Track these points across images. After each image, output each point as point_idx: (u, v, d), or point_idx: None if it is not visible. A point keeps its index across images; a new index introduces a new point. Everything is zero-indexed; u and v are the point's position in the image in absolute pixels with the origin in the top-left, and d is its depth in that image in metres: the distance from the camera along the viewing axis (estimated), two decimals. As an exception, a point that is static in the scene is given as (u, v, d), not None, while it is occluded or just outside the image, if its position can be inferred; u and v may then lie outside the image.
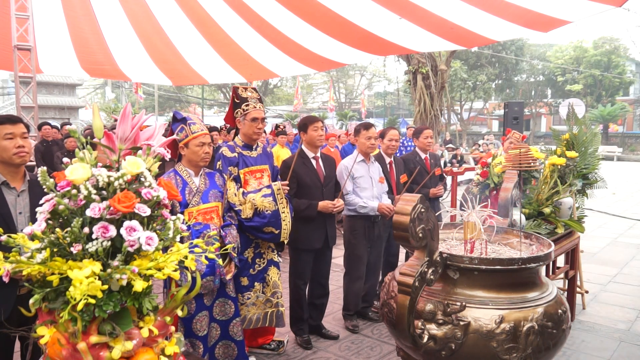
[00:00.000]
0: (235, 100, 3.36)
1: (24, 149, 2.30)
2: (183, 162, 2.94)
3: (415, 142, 4.78)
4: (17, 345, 2.52)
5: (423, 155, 4.72)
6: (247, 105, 3.32)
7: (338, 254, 4.44)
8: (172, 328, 1.52)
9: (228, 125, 8.25)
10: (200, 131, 2.89)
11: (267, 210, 3.19)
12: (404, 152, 10.53)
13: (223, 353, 3.06)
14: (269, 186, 3.29)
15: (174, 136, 2.85)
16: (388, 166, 4.35)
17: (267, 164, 3.47)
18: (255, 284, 3.35)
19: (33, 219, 2.24)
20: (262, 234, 3.25)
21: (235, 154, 3.30)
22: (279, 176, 3.58)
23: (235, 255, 3.04)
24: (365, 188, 3.98)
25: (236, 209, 3.15)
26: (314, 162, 3.72)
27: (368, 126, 4.05)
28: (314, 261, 3.75)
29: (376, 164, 4.16)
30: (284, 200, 3.28)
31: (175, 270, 1.38)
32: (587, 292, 4.71)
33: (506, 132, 6.06)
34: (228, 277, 2.98)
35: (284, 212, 3.26)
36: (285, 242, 3.39)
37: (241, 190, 3.23)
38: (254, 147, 3.41)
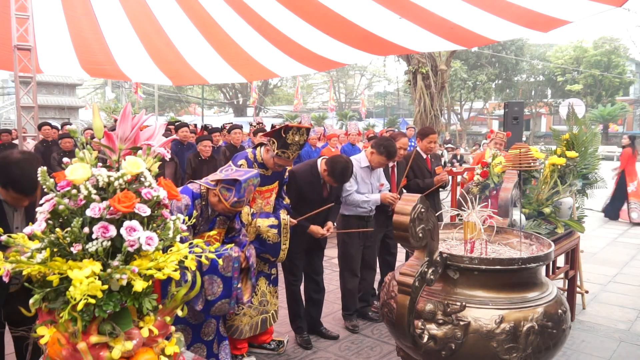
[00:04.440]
0: (282, 134, 3.18)
1: (27, 204, 2.31)
2: (210, 196, 2.81)
3: (418, 143, 4.74)
4: (15, 346, 2.53)
5: (424, 156, 4.72)
6: (283, 153, 3.18)
7: (336, 254, 4.45)
8: (172, 328, 1.52)
9: (228, 126, 8.26)
10: (239, 208, 2.80)
11: (269, 240, 3.23)
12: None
13: None
14: (277, 216, 3.30)
15: (231, 199, 2.73)
16: (390, 169, 4.36)
17: (277, 180, 3.47)
18: None
19: None
20: (257, 255, 3.29)
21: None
22: (284, 188, 3.58)
23: (254, 276, 3.05)
24: (364, 193, 3.98)
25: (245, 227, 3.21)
26: (322, 181, 3.62)
27: (391, 157, 3.87)
28: (305, 257, 3.78)
29: (378, 170, 4.14)
30: (288, 234, 3.31)
31: (175, 270, 1.38)
32: (587, 292, 4.71)
33: (490, 132, 6.09)
34: (245, 298, 2.96)
35: (285, 244, 3.31)
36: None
37: (251, 210, 3.25)
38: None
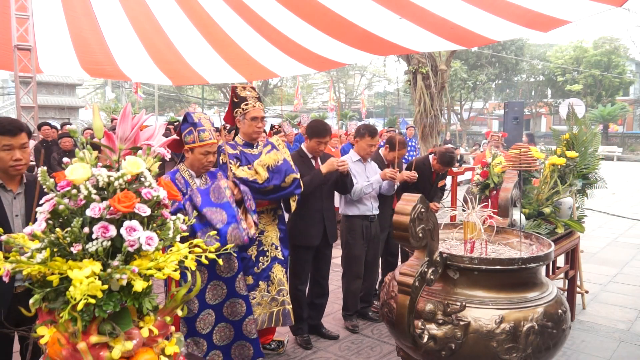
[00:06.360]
0: (234, 99, 3.35)
1: (21, 161, 2.28)
2: (186, 163, 2.94)
3: (433, 160, 4.64)
4: (17, 345, 2.53)
5: (432, 169, 4.70)
6: (246, 105, 3.31)
7: (337, 254, 4.45)
8: (172, 328, 1.52)
9: (228, 126, 8.27)
10: (208, 140, 2.87)
11: (278, 162, 3.20)
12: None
13: (239, 354, 3.04)
14: (267, 143, 3.33)
15: (195, 135, 2.86)
16: (386, 167, 4.36)
17: None
18: (260, 282, 3.33)
19: (29, 221, 2.25)
20: (287, 190, 3.24)
21: (237, 151, 3.31)
22: None
23: (253, 211, 3.05)
24: None
25: (251, 179, 3.15)
26: (313, 161, 3.74)
27: (374, 134, 3.99)
28: (313, 260, 3.75)
29: (372, 164, 4.16)
30: (286, 149, 3.33)
31: (175, 270, 1.38)
32: (587, 292, 4.71)
33: (486, 135, 6.16)
34: (252, 232, 2.95)
35: (288, 157, 3.30)
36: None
37: (247, 166, 3.26)
38: (254, 145, 3.42)
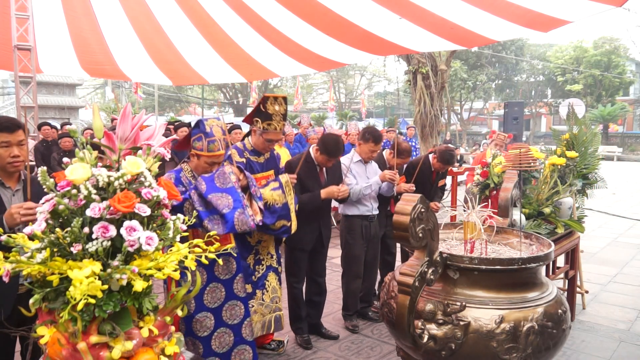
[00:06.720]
0: (261, 108, 3.24)
1: (19, 158, 2.27)
2: (190, 164, 2.93)
3: (433, 159, 4.59)
4: (18, 345, 2.53)
5: (432, 168, 4.69)
6: (268, 125, 3.22)
7: (337, 254, 4.45)
8: (172, 328, 1.52)
9: (229, 126, 8.26)
10: (216, 151, 2.85)
11: (277, 204, 3.17)
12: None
13: None
14: (276, 179, 3.28)
15: (204, 144, 2.83)
16: (387, 169, 4.36)
17: (273, 168, 3.47)
18: (257, 291, 3.36)
19: None
20: (274, 232, 3.23)
21: (244, 159, 3.28)
22: None
23: (258, 198, 3.04)
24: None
25: None
26: (317, 168, 3.72)
27: (378, 141, 3.96)
28: (308, 259, 3.77)
29: (373, 164, 4.16)
30: (292, 192, 3.27)
31: (175, 270, 1.38)
32: (587, 292, 4.71)
33: (491, 134, 6.17)
34: (257, 218, 2.93)
35: (292, 205, 3.26)
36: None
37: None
38: (262, 153, 3.41)
